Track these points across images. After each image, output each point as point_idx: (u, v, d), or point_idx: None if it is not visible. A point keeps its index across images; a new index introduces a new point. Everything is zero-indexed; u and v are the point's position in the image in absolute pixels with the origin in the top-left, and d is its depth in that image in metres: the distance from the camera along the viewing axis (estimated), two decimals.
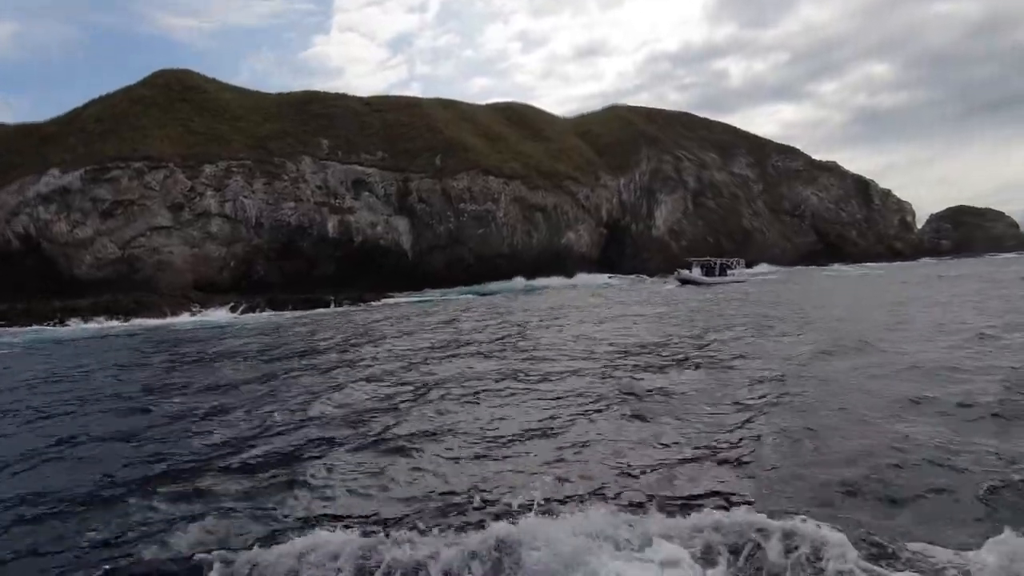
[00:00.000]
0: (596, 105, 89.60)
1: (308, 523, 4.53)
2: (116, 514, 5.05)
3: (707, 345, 12.53)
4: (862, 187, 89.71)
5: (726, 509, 4.14)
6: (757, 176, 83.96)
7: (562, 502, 4.65)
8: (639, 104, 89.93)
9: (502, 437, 6.60)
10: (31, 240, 45.71)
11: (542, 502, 4.47)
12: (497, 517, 4.25)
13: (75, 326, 27.78)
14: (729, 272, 37.76)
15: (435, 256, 56.72)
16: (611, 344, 13.29)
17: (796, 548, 3.36)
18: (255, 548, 3.98)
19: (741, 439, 6.11)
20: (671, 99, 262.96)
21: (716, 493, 4.76)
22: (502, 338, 15.49)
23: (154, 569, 4.03)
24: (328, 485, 5.40)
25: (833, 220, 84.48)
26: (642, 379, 9.32)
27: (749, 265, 70.19)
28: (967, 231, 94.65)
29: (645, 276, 58.77)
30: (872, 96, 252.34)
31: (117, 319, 30.04)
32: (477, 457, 6.00)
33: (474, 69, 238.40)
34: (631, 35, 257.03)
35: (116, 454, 6.88)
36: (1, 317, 29.82)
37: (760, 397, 7.74)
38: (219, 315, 31.83)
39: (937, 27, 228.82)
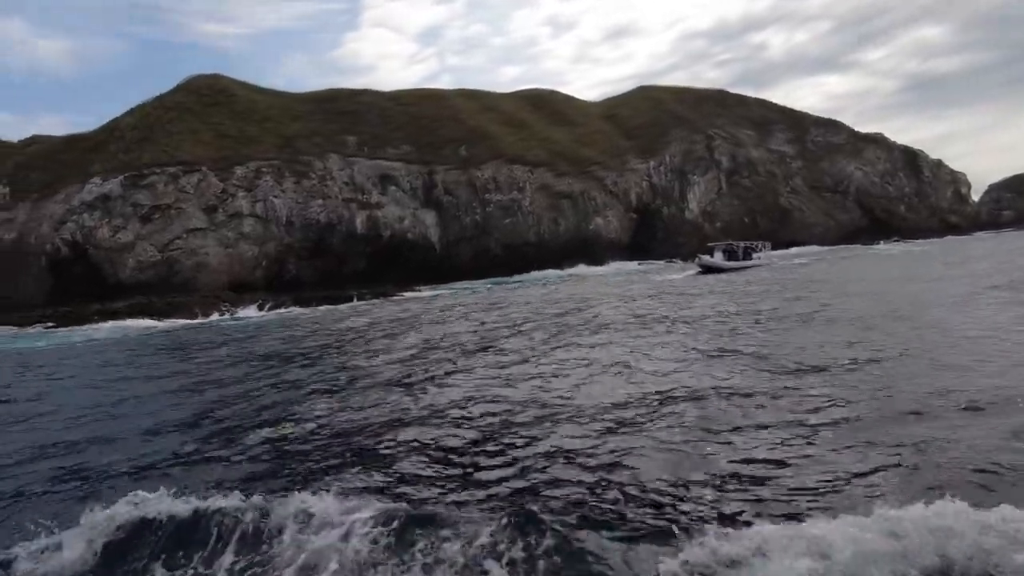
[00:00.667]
0: (629, 88, 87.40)
1: None
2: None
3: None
4: (911, 158, 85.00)
5: None
6: (796, 152, 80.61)
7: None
8: (674, 84, 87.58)
9: None
10: (78, 247, 47.97)
11: None
12: None
13: (106, 327, 29.04)
14: (754, 256, 36.23)
15: (463, 248, 56.88)
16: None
17: None
18: None
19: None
20: (708, 77, 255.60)
21: None
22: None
23: None
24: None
25: (879, 195, 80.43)
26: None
27: (788, 245, 67.74)
28: None
29: (678, 260, 57.34)
30: (925, 61, 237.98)
31: (152, 319, 31.25)
32: None
33: (504, 57, 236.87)
34: (663, 13, 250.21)
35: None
36: (47, 320, 31.45)
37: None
38: (248, 313, 32.74)
39: None
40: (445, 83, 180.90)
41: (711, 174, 72.54)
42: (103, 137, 55.03)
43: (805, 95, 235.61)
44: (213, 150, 52.10)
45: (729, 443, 5.56)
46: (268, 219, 51.19)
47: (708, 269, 32.41)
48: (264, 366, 13.21)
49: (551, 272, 51.50)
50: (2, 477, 6.43)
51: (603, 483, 4.85)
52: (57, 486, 6.00)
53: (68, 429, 8.51)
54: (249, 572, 3.68)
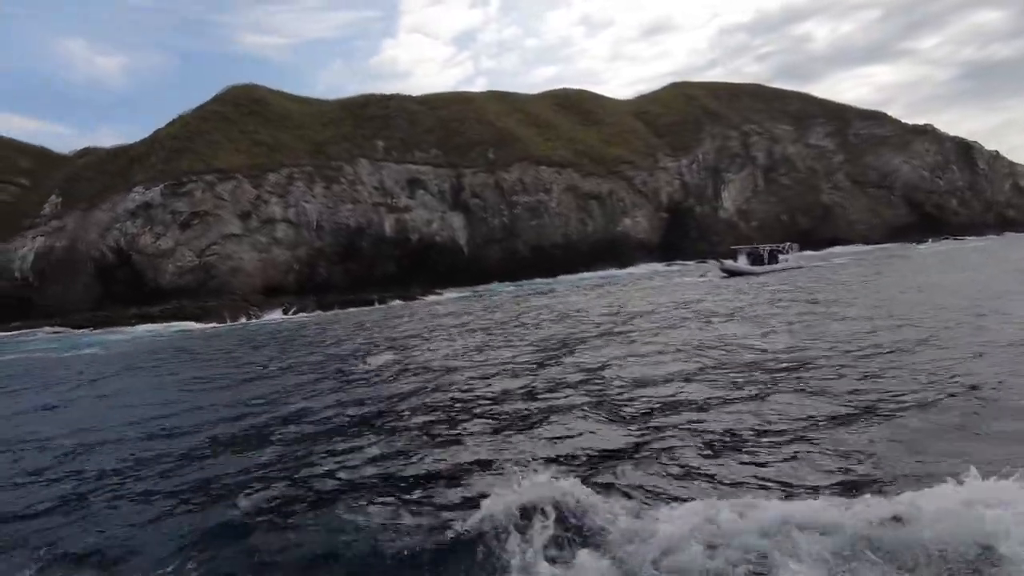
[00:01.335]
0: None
1: None
2: None
3: None
4: (964, 150, 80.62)
5: None
6: (837, 146, 77.60)
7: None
8: (713, 80, 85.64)
9: None
10: (123, 253, 50.23)
11: None
12: None
13: (137, 330, 30.33)
14: (781, 258, 34.81)
15: (490, 250, 56.97)
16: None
17: None
18: None
19: None
20: (748, 71, 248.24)
21: None
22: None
23: None
24: None
25: (929, 189, 76.55)
26: None
27: (831, 244, 65.19)
28: None
29: (712, 261, 55.96)
30: (982, 48, 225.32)
31: (183, 322, 32.48)
32: None
33: (538, 58, 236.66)
34: (700, 7, 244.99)
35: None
36: (86, 324, 33.05)
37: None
38: (272, 317, 33.62)
39: None
40: (480, 86, 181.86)
41: (746, 171, 70.62)
42: (146, 148, 57.48)
43: (851, 87, 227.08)
44: (248, 157, 53.73)
45: None
46: (300, 224, 52.45)
47: (731, 273, 31.43)
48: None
49: (585, 275, 50.36)
50: None
51: None
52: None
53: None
54: None
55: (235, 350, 18.60)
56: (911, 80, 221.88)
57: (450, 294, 40.68)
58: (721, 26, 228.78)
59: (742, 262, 33.27)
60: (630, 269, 51.99)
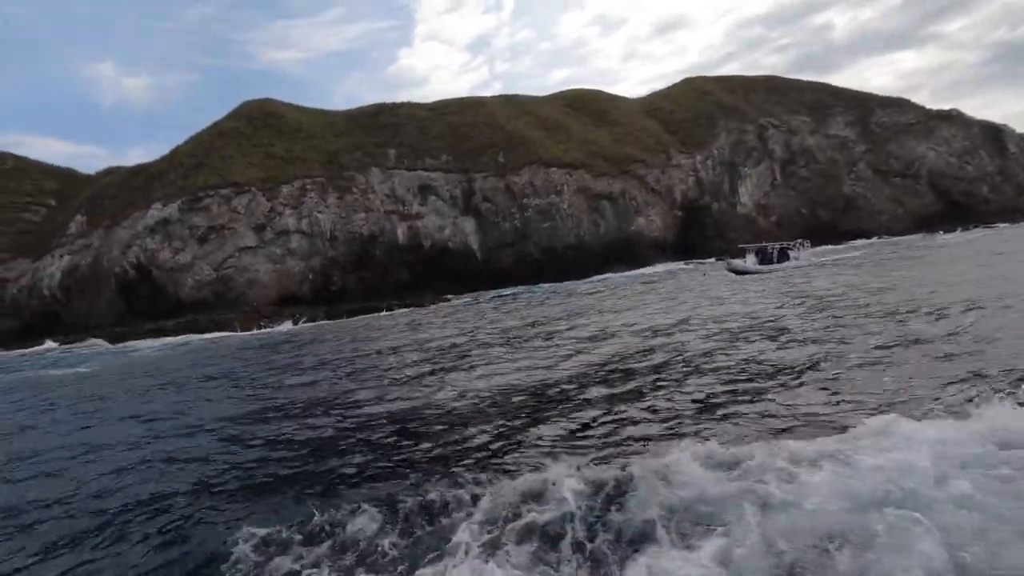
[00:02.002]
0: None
1: None
2: None
3: None
4: (993, 135, 77.73)
5: None
6: (858, 136, 75.59)
7: None
8: (730, 74, 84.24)
9: None
10: (143, 268, 51.48)
11: None
12: None
13: (148, 343, 30.96)
14: (791, 255, 33.89)
15: (503, 254, 56.83)
16: None
17: None
18: None
19: None
20: (766, 64, 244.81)
21: None
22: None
23: None
24: None
25: (956, 176, 73.99)
26: None
27: (855, 236, 63.42)
28: None
29: (716, 260, 54.90)
30: (1013, 29, 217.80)
31: (196, 335, 33.04)
32: None
33: (552, 61, 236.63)
34: (715, 1, 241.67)
35: None
36: (102, 336, 33.86)
37: None
38: (282, 328, 34.00)
39: None
40: (495, 90, 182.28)
41: (764, 165, 69.25)
42: (165, 165, 58.88)
43: (874, 76, 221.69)
44: (262, 171, 54.62)
45: None
46: (313, 234, 53.08)
47: (741, 273, 30.72)
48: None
49: (595, 278, 49.75)
50: None
51: None
52: None
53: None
54: None
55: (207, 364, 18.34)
56: (937, 65, 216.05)
57: (464, 299, 40.54)
58: (737, 19, 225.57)
59: (751, 261, 32.55)
60: (643, 269, 51.25)
